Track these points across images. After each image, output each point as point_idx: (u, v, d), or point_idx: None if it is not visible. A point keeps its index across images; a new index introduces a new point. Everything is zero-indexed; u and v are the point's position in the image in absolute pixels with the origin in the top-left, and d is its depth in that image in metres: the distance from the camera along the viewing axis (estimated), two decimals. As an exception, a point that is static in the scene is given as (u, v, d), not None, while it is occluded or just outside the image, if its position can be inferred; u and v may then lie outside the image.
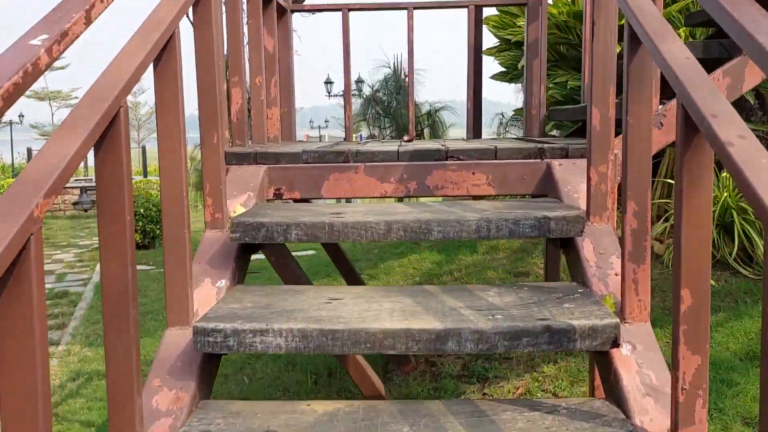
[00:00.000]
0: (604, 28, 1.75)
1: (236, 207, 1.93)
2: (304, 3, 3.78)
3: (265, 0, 2.91)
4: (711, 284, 1.46)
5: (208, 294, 1.64)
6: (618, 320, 1.38)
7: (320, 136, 26.71)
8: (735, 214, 3.67)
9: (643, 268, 1.49)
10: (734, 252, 3.62)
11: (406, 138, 3.02)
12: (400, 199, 5.07)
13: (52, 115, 33.87)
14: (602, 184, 1.78)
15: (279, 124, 3.05)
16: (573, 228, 1.68)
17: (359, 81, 17.27)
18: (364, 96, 9.51)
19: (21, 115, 31.19)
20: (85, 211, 14.48)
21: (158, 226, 9.05)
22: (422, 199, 4.44)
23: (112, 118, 1.17)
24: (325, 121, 33.14)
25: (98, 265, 2.85)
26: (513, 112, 8.56)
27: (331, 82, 16.76)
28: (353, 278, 3.44)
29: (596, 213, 1.79)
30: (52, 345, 4.98)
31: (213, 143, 1.79)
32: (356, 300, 1.58)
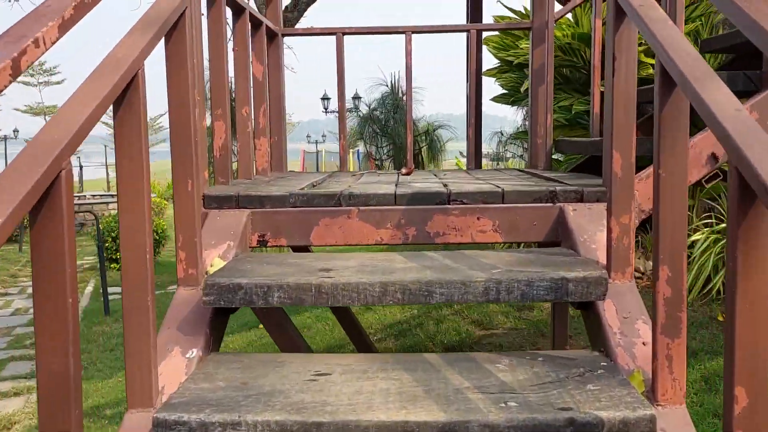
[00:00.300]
0: (626, 65, 1.56)
1: (214, 260, 1.73)
2: (297, 27, 3.60)
3: (253, 25, 2.74)
4: None
5: (177, 367, 1.43)
6: (653, 412, 1.18)
7: (317, 151, 26.58)
8: None
9: (678, 343, 1.29)
10: None
11: (404, 171, 2.83)
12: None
13: (48, 129, 33.49)
14: (624, 237, 1.58)
15: (268, 156, 2.86)
16: (594, 291, 1.47)
17: (356, 97, 17.13)
18: (361, 114, 9.34)
19: (15, 130, 31.02)
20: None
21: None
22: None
23: (50, 184, 0.97)
24: (323, 136, 33.05)
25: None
26: (513, 133, 8.40)
27: (327, 98, 16.62)
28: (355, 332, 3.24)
29: (618, 269, 1.59)
30: None
31: (187, 191, 1.59)
32: (347, 376, 1.38)
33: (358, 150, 16.78)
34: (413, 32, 3.14)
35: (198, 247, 1.62)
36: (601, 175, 1.93)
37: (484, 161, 8.07)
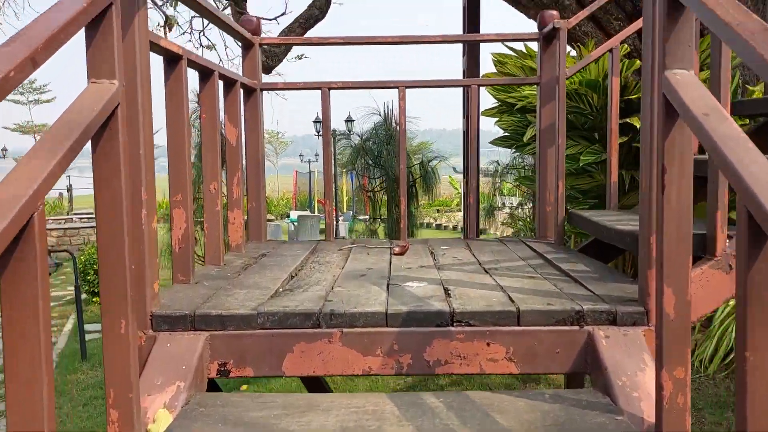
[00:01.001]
0: (679, 179, 1.23)
1: (157, 412, 1.37)
2: (280, 78, 3.27)
3: (226, 84, 2.40)
4: None
5: None
6: None
7: (310, 172, 26.24)
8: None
9: None
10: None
11: (397, 249, 2.48)
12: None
13: (38, 148, 33.17)
14: (680, 395, 1.24)
15: (243, 229, 2.51)
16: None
17: (349, 120, 16.86)
18: (353, 144, 9.02)
19: (4, 149, 30.60)
20: None
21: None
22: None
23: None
24: (315, 155, 32.75)
25: None
26: (509, 164, 8.09)
27: (319, 121, 16.33)
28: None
29: (671, 437, 1.25)
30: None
31: (119, 332, 1.24)
32: None
33: (351, 175, 16.49)
34: (407, 87, 2.81)
35: (134, 405, 1.26)
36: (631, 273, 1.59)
37: (481, 179, 7.75)
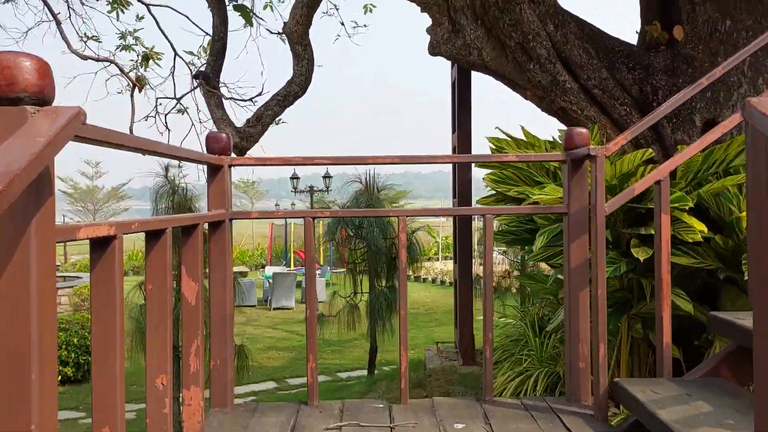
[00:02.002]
0: None
1: None
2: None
3: (185, 231, 1.89)
4: None
5: None
6: None
7: (285, 223, 25.53)
8: None
9: None
10: None
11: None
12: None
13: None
14: None
15: (201, 413, 1.96)
16: None
17: (327, 176, 16.43)
18: (329, 202, 8.52)
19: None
20: None
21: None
22: None
23: None
24: (292, 204, 32.19)
25: None
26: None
27: (296, 178, 15.83)
28: None
29: None
30: None
31: None
32: None
33: (330, 246, 15.87)
34: (407, 216, 2.33)
35: None
36: None
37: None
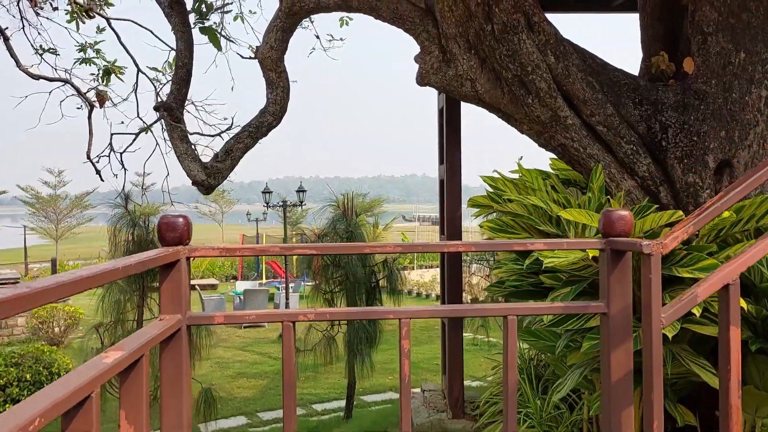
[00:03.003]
0: None
1: None
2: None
3: (125, 370, 1.42)
4: None
5: None
6: None
7: (257, 235, 24.89)
8: None
9: None
10: None
11: None
12: None
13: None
14: None
15: None
16: None
17: (301, 190, 15.85)
18: (307, 240, 8.04)
19: None
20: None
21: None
22: None
23: None
24: (264, 213, 31.50)
25: None
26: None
27: (269, 192, 15.27)
28: None
29: None
30: None
31: None
32: None
33: (304, 276, 15.18)
34: (411, 317, 1.88)
35: None
36: None
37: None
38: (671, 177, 3.93)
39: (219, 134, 4.48)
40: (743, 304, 2.72)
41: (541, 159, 4.91)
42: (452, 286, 5.11)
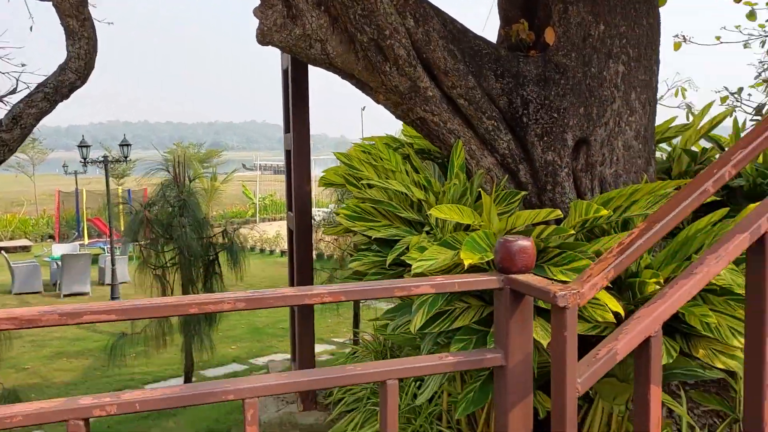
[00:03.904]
0: None
1: None
2: None
3: None
4: None
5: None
6: None
7: (77, 189, 22.29)
8: None
9: None
10: None
11: None
12: None
13: None
14: None
15: None
16: None
17: (125, 144, 14.16)
18: (133, 211, 7.08)
19: None
20: None
21: None
22: None
23: None
24: (84, 166, 28.30)
25: None
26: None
27: (87, 146, 13.48)
28: None
29: None
30: None
31: None
32: None
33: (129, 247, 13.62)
34: (257, 396, 1.39)
35: None
36: None
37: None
38: (531, 155, 3.74)
39: (2, 98, 3.53)
40: (611, 302, 2.56)
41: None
42: (301, 260, 4.64)
